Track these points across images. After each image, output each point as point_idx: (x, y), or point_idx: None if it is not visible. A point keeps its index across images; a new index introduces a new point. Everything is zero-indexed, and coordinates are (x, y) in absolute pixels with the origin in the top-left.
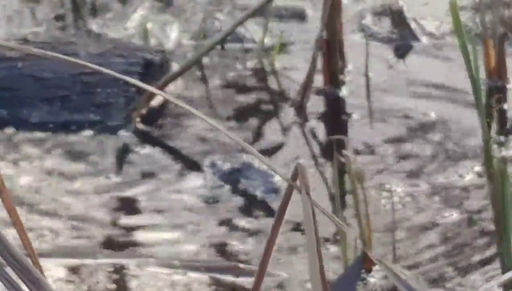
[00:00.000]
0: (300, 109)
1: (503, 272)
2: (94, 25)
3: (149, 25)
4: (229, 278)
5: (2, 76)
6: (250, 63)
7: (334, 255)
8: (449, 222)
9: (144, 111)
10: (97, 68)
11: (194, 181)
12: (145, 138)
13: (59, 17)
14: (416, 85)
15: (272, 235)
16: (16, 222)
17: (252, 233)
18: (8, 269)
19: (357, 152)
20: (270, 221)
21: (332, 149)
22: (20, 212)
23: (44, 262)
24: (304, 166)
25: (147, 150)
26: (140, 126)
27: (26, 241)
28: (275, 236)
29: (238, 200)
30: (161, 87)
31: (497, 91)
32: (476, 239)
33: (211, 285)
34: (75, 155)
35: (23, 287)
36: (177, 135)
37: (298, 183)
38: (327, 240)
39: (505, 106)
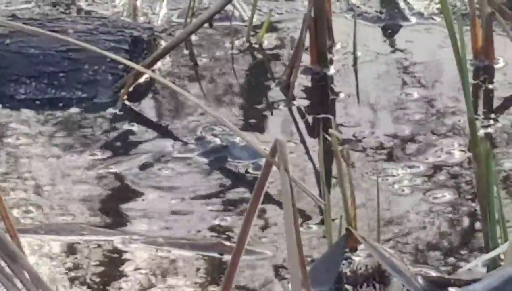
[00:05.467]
0: (288, 88)
1: (487, 252)
2: (82, 2)
3: (138, 2)
4: (213, 255)
5: None
6: (238, 42)
7: (319, 234)
8: (434, 200)
9: (131, 88)
10: (83, 45)
11: (181, 157)
12: (133, 115)
13: None
14: (403, 64)
15: (249, 210)
16: None
17: (238, 210)
18: None
19: (343, 131)
20: None
21: (318, 128)
22: (5, 188)
23: (28, 238)
24: (283, 141)
25: (134, 127)
26: (128, 103)
27: (5, 215)
28: (253, 212)
29: (225, 177)
30: (149, 65)
31: (484, 71)
32: (461, 218)
33: (195, 263)
34: (61, 132)
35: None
36: (164, 112)
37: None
38: (312, 219)
39: (491, 86)
